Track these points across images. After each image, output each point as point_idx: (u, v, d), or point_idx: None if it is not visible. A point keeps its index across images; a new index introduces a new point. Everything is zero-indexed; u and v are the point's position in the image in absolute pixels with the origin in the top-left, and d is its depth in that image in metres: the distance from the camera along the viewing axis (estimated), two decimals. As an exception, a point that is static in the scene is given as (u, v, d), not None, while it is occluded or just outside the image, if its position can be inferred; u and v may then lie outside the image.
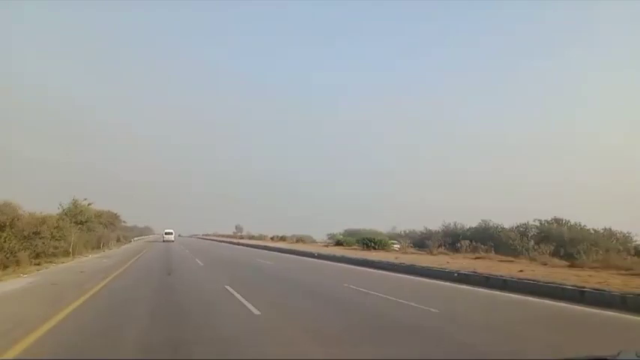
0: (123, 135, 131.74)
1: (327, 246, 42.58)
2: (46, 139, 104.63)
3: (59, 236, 19.65)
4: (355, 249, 33.39)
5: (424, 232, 44.76)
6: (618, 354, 2.15)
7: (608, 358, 2.18)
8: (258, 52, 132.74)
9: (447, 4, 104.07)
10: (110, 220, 44.37)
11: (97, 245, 33.29)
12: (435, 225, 43.49)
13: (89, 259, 21.12)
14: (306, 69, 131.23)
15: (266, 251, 34.32)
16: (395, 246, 34.14)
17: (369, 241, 33.26)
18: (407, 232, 47.56)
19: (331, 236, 67.94)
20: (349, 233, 65.07)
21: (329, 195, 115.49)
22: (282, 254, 29.54)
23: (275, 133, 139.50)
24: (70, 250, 21.13)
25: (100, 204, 48.10)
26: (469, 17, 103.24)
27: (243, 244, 48.03)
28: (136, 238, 62.28)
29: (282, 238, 65.01)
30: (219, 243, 58.34)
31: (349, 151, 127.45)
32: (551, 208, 74.15)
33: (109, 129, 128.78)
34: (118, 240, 47.18)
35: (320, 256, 24.64)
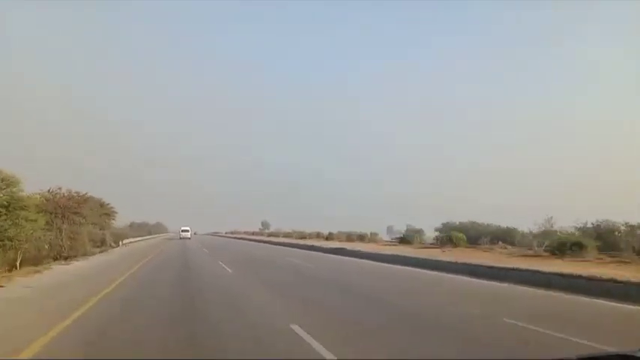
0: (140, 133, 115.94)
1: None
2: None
3: None
4: None
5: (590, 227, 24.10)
6: (639, 350, 2.04)
7: (628, 353, 2.08)
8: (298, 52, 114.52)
9: (447, 4, 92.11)
10: (72, 208, 23.24)
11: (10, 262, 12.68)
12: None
13: None
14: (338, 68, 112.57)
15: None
16: None
17: None
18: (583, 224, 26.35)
19: (413, 231, 47.14)
20: (448, 229, 44.58)
21: (368, 195, 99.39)
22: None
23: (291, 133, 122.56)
24: None
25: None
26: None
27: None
28: (126, 241, 39.35)
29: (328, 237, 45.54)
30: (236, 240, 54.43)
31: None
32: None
33: (126, 127, 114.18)
34: (102, 244, 30.69)
35: None
